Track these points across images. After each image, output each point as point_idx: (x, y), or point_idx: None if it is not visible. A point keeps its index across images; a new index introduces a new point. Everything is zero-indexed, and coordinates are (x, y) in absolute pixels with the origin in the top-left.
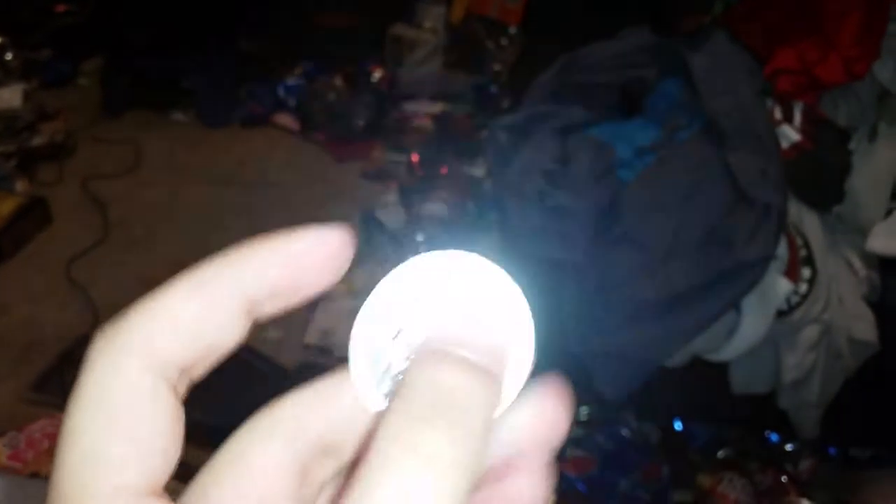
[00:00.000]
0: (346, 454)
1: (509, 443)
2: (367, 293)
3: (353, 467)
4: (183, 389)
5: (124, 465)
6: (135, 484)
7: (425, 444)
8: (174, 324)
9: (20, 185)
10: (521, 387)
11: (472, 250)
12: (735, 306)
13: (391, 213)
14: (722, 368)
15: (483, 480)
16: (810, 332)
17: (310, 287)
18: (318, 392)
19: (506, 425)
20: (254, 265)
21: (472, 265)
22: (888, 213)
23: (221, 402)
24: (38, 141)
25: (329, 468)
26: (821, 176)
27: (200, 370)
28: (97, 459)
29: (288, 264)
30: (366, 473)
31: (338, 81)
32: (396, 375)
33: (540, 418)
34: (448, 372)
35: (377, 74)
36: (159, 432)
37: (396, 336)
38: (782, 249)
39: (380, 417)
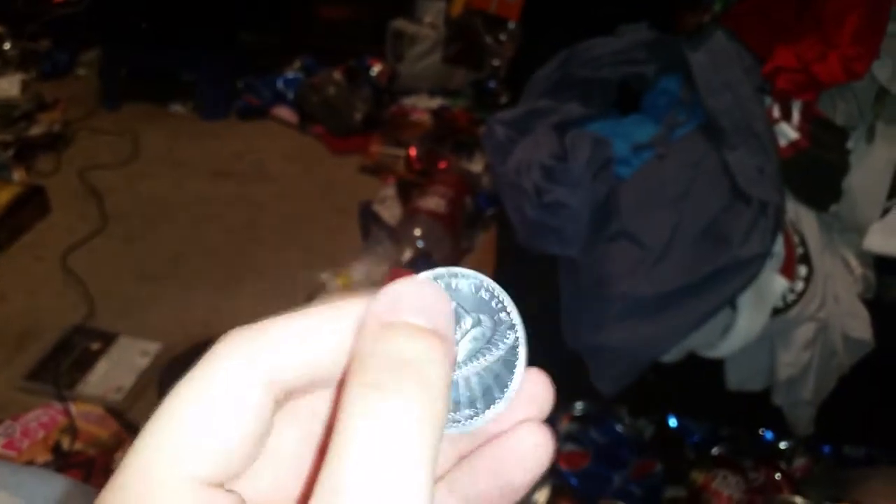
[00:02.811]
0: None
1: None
2: (363, 287)
3: (326, 434)
4: (281, 407)
5: (206, 458)
6: (208, 476)
7: (384, 411)
8: (295, 354)
9: (18, 175)
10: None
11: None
12: (731, 303)
13: (389, 208)
14: (717, 365)
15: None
16: (806, 330)
17: None
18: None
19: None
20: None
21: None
22: (885, 212)
23: None
24: (35, 131)
25: (323, 400)
26: (818, 174)
27: (299, 396)
28: (185, 445)
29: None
30: (335, 452)
31: (337, 75)
32: None
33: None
34: (394, 337)
35: (376, 68)
36: (252, 440)
37: None
38: (779, 247)
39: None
